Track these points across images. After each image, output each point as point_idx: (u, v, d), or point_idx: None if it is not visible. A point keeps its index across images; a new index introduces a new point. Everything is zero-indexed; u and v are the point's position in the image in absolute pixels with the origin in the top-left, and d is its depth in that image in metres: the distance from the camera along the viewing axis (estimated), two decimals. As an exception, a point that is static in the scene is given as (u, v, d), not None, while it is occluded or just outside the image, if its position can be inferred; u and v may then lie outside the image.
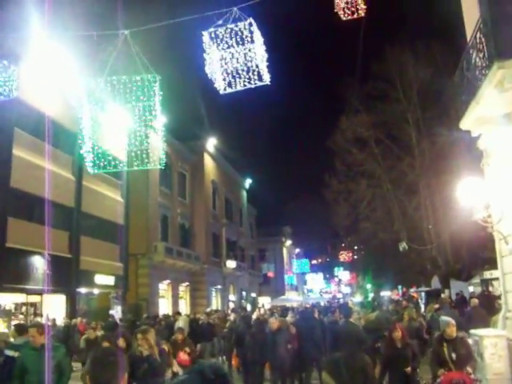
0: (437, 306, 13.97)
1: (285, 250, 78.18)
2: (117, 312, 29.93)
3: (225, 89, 10.67)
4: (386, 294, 60.91)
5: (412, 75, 29.76)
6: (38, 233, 23.26)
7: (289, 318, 17.05)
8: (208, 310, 27.99)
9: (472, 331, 11.87)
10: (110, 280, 29.28)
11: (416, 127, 30.36)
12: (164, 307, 36.42)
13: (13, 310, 22.88)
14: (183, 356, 11.09)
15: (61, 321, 23.26)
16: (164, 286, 38.39)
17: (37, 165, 23.38)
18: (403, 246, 29.90)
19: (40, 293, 23.96)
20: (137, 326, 22.67)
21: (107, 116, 14.42)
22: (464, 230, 28.86)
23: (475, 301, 17.37)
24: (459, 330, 14.22)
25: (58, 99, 24.41)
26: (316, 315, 15.25)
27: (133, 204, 32.96)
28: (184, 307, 40.50)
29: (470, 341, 13.36)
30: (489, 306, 20.64)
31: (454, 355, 8.31)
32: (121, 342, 9.47)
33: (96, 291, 29.23)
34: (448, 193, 29.58)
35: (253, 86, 10.33)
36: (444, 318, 8.86)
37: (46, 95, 23.17)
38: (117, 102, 10.74)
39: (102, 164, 20.78)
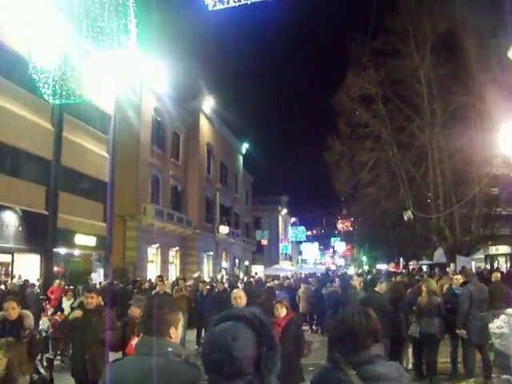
0: (459, 277, 11.54)
1: (280, 219, 76.27)
2: (99, 275, 27.90)
3: (215, 4, 8.37)
4: (382, 266, 59.20)
5: (427, 29, 27.24)
6: (10, 186, 21.03)
7: (300, 291, 15.22)
8: (195, 275, 25.87)
9: (511, 311, 9.68)
10: (91, 241, 27.00)
11: (428, 86, 27.95)
12: (153, 272, 34.35)
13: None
14: None
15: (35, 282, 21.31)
16: (153, 251, 36.57)
17: (10, 111, 21.04)
18: (408, 214, 28.05)
19: (11, 252, 21.85)
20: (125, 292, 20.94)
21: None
22: (475, 201, 27.05)
23: (497, 275, 15.17)
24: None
25: (37, 40, 21.83)
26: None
27: (121, 162, 30.65)
28: (174, 273, 38.89)
29: (496, 322, 11.24)
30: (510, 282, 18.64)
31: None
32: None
33: (77, 252, 27.06)
34: (461, 158, 27.84)
35: (248, 2, 8.04)
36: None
37: (19, 32, 20.62)
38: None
39: (64, 94, 18.32)
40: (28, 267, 22.86)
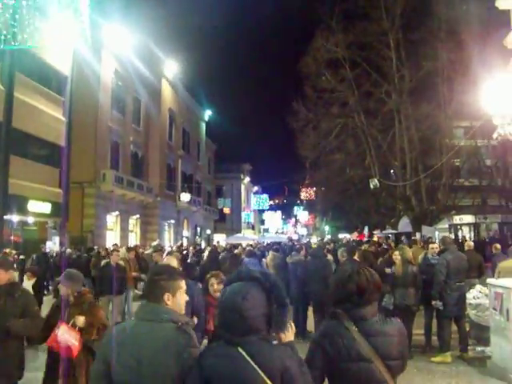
0: (435, 246, 10.90)
1: (243, 187, 75.46)
2: (54, 244, 26.73)
3: None
4: (344, 235, 59.28)
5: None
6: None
7: (269, 259, 14.54)
8: (154, 243, 24.88)
9: (491, 281, 9.06)
10: (46, 207, 25.64)
11: (397, 51, 27.35)
12: (112, 240, 32.91)
13: None
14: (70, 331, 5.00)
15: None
16: (112, 218, 35.39)
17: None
18: (374, 183, 27.71)
19: (-45, 218, 20.46)
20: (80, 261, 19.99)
21: None
22: (442, 171, 26.81)
23: (470, 244, 14.68)
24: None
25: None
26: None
27: (79, 126, 29.18)
28: (134, 241, 37.54)
29: (472, 292, 10.72)
30: (482, 251, 18.30)
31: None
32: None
33: (31, 220, 25.75)
34: (429, 126, 27.48)
35: None
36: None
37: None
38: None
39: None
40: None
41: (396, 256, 10.43)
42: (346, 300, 3.27)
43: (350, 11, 27.95)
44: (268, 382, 2.48)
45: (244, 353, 2.51)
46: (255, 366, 2.48)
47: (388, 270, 10.59)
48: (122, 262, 12.58)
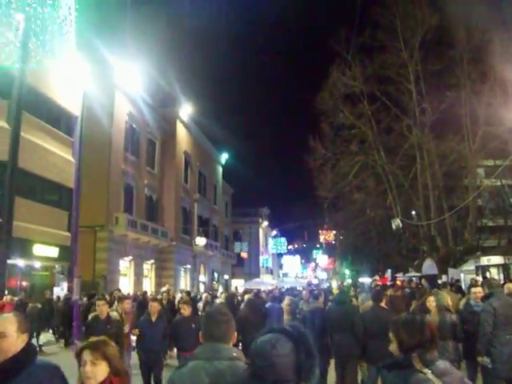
0: (478, 290, 9.18)
1: (261, 232, 74.05)
2: (62, 289, 25.30)
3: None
4: (365, 280, 57.18)
5: (416, 23, 25.50)
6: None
7: (285, 303, 13.04)
8: (164, 288, 23.35)
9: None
10: (53, 251, 24.36)
11: (417, 83, 26.19)
12: (125, 286, 31.98)
13: None
14: None
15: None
16: (126, 263, 34.06)
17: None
18: (396, 222, 26.12)
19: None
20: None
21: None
22: (468, 209, 25.34)
23: (511, 287, 12.95)
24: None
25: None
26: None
27: (91, 168, 28.09)
28: (149, 287, 36.12)
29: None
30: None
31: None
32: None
33: (38, 264, 24.47)
34: (453, 161, 26.06)
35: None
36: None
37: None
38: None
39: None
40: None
41: (431, 302, 8.70)
42: (418, 346, 3.35)
43: (367, 44, 27.08)
44: None
45: None
46: None
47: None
48: (115, 314, 9.60)
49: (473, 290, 9.37)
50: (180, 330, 9.29)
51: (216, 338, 3.15)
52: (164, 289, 22.93)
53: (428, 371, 3.20)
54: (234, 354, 3.11)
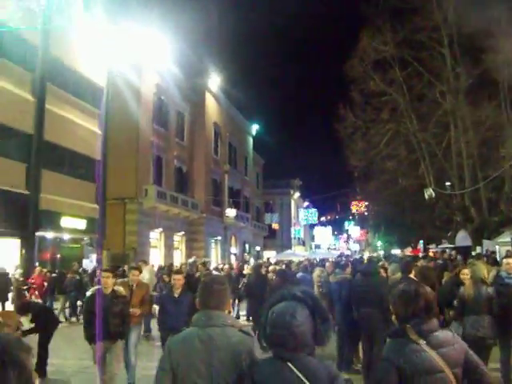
0: (511, 261, 8.55)
1: (293, 203, 73.54)
2: (91, 261, 25.47)
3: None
4: (396, 251, 56.49)
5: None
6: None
7: (315, 274, 12.71)
8: (191, 260, 23.18)
9: None
10: (81, 224, 24.33)
11: (451, 47, 25.17)
12: (156, 258, 32.14)
13: None
14: None
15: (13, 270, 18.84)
16: (156, 235, 34.07)
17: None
18: (429, 192, 25.44)
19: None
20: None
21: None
22: (504, 177, 24.50)
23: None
24: None
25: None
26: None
27: (120, 141, 28.30)
28: (179, 259, 36.18)
29: None
30: None
31: None
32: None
33: (66, 237, 24.50)
34: (489, 128, 25.12)
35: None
36: None
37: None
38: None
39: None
40: (4, 253, 20.27)
41: (465, 275, 8.22)
42: (414, 316, 3.32)
43: (398, 7, 26.02)
44: None
45: (294, 368, 2.66)
46: (305, 379, 2.65)
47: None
48: (121, 289, 8.18)
49: (505, 260, 8.75)
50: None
51: (211, 306, 3.28)
52: (191, 260, 22.81)
53: (423, 342, 3.17)
54: (228, 321, 3.25)
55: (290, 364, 2.67)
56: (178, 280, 8.49)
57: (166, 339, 8.29)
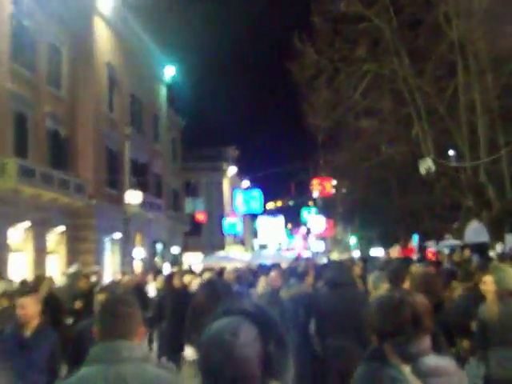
0: None
1: (226, 183, 75.36)
2: None
3: None
4: (378, 252, 57.79)
5: None
6: None
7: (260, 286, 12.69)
8: (71, 269, 22.82)
9: None
10: None
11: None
12: (20, 267, 31.89)
13: None
14: None
15: None
16: (19, 233, 33.54)
17: None
18: (427, 165, 26.26)
19: None
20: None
21: None
22: None
23: None
24: None
25: None
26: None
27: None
28: (57, 267, 36.19)
29: None
30: None
31: None
32: None
33: None
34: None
35: None
36: None
37: None
38: None
39: None
40: None
41: (487, 284, 8.18)
42: (396, 332, 3.45)
43: None
44: None
45: None
46: None
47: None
48: None
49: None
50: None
51: (117, 334, 3.37)
52: (72, 270, 22.43)
53: (406, 367, 3.31)
54: (141, 355, 3.37)
55: None
56: (29, 307, 7.29)
57: None
